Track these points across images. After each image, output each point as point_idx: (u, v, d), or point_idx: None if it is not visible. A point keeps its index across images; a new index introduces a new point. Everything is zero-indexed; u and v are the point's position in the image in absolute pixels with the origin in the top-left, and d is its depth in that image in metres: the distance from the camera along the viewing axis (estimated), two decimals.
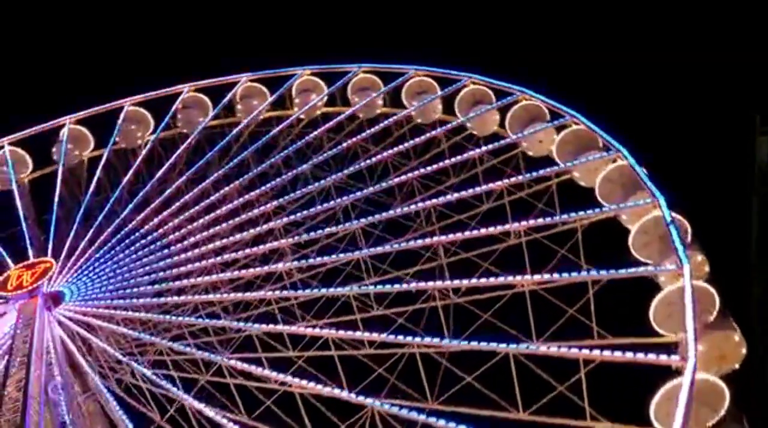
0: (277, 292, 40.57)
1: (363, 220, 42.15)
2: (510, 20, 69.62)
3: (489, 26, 69.27)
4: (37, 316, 39.71)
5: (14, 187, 50.14)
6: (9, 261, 44.82)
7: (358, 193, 43.99)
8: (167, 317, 40.13)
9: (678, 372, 31.48)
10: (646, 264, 37.74)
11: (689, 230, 38.43)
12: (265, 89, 53.59)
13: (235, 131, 51.24)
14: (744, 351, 35.13)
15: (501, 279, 37.30)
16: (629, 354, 32.64)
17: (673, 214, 37.84)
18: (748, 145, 56.27)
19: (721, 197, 56.10)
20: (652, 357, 32.26)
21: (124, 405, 39.05)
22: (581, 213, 39.36)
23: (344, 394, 33.89)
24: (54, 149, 53.44)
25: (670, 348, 33.40)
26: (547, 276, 36.85)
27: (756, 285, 54.89)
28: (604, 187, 41.25)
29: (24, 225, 46.96)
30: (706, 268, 38.56)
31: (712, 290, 35.48)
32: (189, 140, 51.72)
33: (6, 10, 68.95)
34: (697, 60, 61.14)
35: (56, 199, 48.30)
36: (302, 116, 52.26)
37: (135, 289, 41.68)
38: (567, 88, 48.98)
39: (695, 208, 40.39)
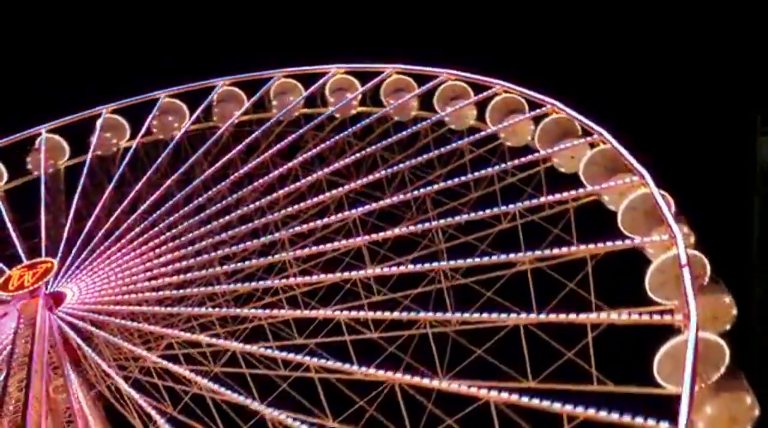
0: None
1: (367, 237, 40.69)
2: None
3: (520, 31, 67.13)
4: (38, 317, 39.86)
5: (42, 175, 50.41)
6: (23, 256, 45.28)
7: (369, 206, 42.27)
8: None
9: None
10: (660, 303, 35.02)
11: (707, 267, 35.08)
12: (300, 86, 52.20)
13: (260, 129, 49.99)
14: (756, 413, 32.00)
15: (495, 316, 35.06)
16: (614, 416, 29.90)
17: (692, 252, 34.73)
18: (749, 146, 56.35)
19: (723, 197, 55.87)
20: (639, 420, 29.44)
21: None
22: (591, 246, 36.64)
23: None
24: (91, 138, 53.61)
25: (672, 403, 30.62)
26: (542, 317, 34.34)
27: (757, 285, 54.46)
28: (627, 216, 38.32)
29: (43, 216, 47.20)
30: (734, 311, 35.39)
31: (722, 342, 32.35)
32: (217, 134, 50.91)
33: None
34: (698, 60, 60.63)
35: (78, 192, 48.41)
36: (336, 115, 50.66)
37: (136, 285, 41.52)
38: (569, 88, 47.33)
39: (697, 208, 39.18)
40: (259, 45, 69.51)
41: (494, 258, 37.67)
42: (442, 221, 40.23)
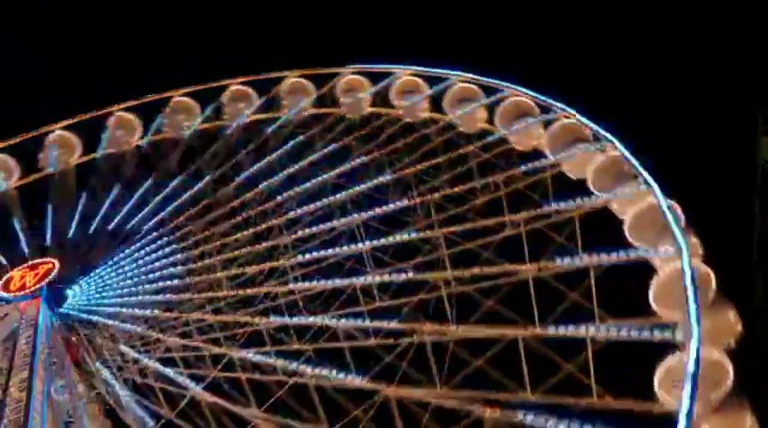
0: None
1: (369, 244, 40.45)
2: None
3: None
4: (40, 317, 39.99)
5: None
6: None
7: (371, 212, 41.92)
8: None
9: None
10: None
11: (713, 281, 34.05)
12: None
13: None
14: None
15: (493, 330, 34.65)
16: None
17: (698, 265, 33.75)
18: (750, 144, 56.79)
19: (724, 196, 56.37)
20: None
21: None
22: (595, 257, 36.04)
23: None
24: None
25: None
26: (541, 330, 33.81)
27: (758, 284, 55.09)
28: (635, 226, 37.37)
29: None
30: (738, 327, 34.29)
31: (726, 360, 31.41)
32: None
33: None
34: (700, 59, 60.97)
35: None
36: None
37: (138, 287, 41.59)
38: (569, 86, 46.92)
39: (698, 207, 38.85)
40: (331, 41, 68.96)
41: (495, 268, 37.08)
42: (444, 229, 39.66)
